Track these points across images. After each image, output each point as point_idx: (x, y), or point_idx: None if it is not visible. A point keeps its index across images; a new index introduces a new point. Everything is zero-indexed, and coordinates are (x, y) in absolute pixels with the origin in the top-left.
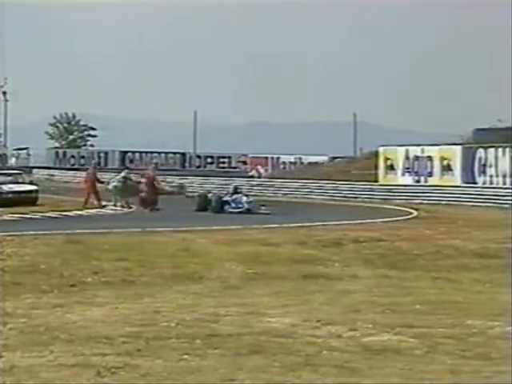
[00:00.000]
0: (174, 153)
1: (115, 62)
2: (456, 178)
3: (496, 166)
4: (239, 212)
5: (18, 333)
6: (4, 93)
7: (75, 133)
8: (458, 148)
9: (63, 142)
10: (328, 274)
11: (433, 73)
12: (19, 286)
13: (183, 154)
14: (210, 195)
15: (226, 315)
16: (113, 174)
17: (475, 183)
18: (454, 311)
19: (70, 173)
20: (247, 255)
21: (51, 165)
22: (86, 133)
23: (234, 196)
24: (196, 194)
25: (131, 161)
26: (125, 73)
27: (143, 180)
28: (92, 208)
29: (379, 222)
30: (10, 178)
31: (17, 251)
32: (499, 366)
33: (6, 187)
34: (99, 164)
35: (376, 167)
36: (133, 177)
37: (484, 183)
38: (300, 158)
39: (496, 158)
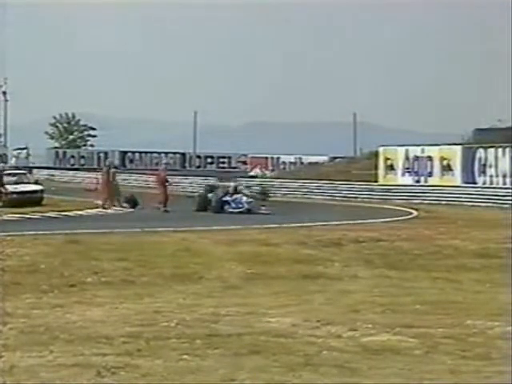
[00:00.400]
0: (174, 153)
1: (115, 61)
2: (456, 178)
3: (496, 166)
4: (239, 212)
5: (18, 333)
6: (4, 93)
7: (75, 133)
8: (458, 148)
9: (63, 142)
10: (328, 274)
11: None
12: (19, 286)
13: (183, 154)
14: (210, 195)
15: (226, 315)
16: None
17: (475, 183)
18: (454, 311)
19: (70, 173)
20: (247, 255)
21: (51, 165)
22: (85, 133)
23: (234, 196)
24: (196, 194)
25: (131, 161)
26: (125, 73)
27: (154, 180)
28: (92, 208)
29: (379, 222)
30: (14, 178)
31: (17, 251)
32: (499, 366)
33: (11, 187)
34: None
35: (376, 167)
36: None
37: (484, 183)
38: (300, 158)
39: (496, 158)
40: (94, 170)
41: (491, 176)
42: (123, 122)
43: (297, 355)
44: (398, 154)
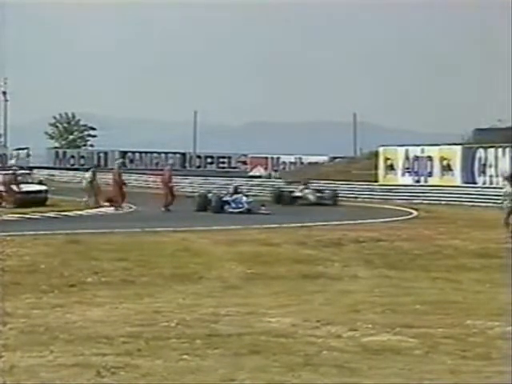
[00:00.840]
0: (174, 153)
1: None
2: (456, 178)
3: (496, 166)
4: (239, 212)
5: (18, 333)
6: (4, 93)
7: (75, 133)
8: (458, 148)
9: (63, 142)
10: (328, 274)
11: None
12: (19, 286)
13: (183, 154)
14: (210, 195)
15: (225, 315)
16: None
17: (475, 183)
18: (454, 311)
19: (70, 173)
20: (247, 255)
21: (51, 165)
22: (85, 133)
23: (234, 196)
24: (197, 194)
25: (131, 161)
26: (125, 73)
27: (158, 180)
28: (92, 208)
29: (379, 222)
30: (19, 178)
31: (17, 251)
32: (499, 366)
33: (15, 187)
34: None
35: (376, 167)
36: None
37: (484, 183)
38: (300, 158)
39: (496, 158)
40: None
41: (491, 176)
42: (123, 121)
43: (297, 355)
44: (398, 154)
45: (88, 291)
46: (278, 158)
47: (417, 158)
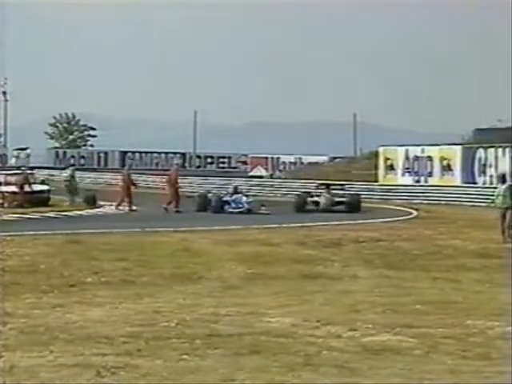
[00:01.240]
0: (174, 153)
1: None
2: (456, 178)
3: (496, 166)
4: (239, 212)
5: (18, 333)
6: (4, 93)
7: (75, 133)
8: (458, 148)
9: (63, 142)
10: (328, 274)
11: (433, 73)
12: (19, 286)
13: (183, 154)
14: (210, 195)
15: (225, 315)
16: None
17: (475, 183)
18: (454, 311)
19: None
20: (247, 255)
21: (51, 165)
22: (85, 133)
23: (234, 196)
24: (197, 194)
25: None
26: (125, 73)
27: (158, 180)
28: (93, 208)
29: (379, 222)
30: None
31: (17, 251)
32: (499, 366)
33: (27, 187)
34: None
35: (376, 167)
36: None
37: (484, 183)
38: (300, 158)
39: (496, 158)
40: (94, 170)
41: (491, 176)
42: (123, 122)
43: (297, 355)
44: (398, 154)
45: (88, 291)
46: (278, 158)
47: (417, 158)
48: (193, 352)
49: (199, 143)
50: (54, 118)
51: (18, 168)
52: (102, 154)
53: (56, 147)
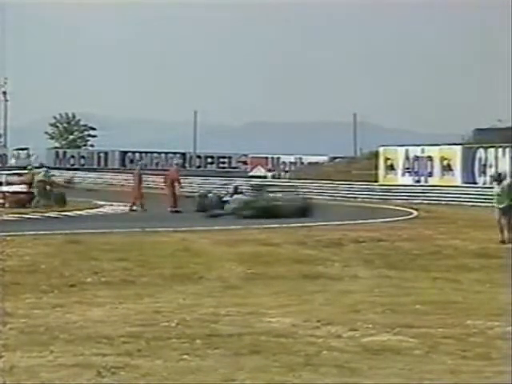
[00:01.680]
0: (174, 153)
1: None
2: (456, 178)
3: (496, 166)
4: None
5: (18, 333)
6: (4, 93)
7: (75, 133)
8: (458, 148)
9: (63, 142)
10: (328, 274)
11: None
12: (19, 286)
13: (183, 154)
14: (210, 195)
15: (226, 315)
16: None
17: (475, 183)
18: (454, 311)
19: (70, 173)
20: (247, 255)
21: (51, 165)
22: (86, 133)
23: (235, 196)
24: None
25: (131, 161)
26: (125, 73)
27: (163, 180)
28: (92, 208)
29: (379, 222)
30: (22, 178)
31: (17, 251)
32: (499, 366)
33: (18, 187)
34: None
35: (376, 167)
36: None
37: (484, 183)
38: (300, 158)
39: (496, 158)
40: (95, 170)
41: (491, 176)
42: (123, 121)
43: (297, 355)
44: (398, 154)
45: (88, 291)
46: (279, 158)
47: (417, 158)
48: (193, 352)
49: (199, 143)
50: (54, 118)
51: (25, 168)
52: (102, 154)
53: (56, 147)
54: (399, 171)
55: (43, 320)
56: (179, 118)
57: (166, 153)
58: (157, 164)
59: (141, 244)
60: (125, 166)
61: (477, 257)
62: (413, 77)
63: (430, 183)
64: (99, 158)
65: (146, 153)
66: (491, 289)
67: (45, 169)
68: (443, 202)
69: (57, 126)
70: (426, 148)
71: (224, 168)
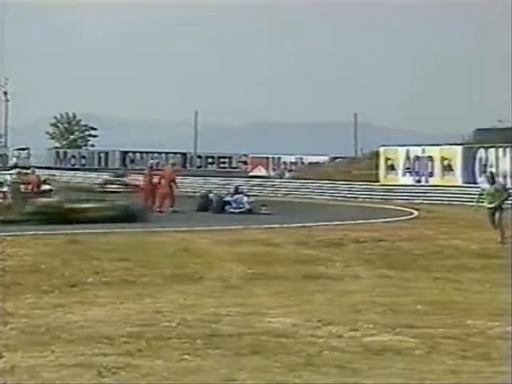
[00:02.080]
0: (175, 153)
1: (116, 61)
2: (457, 178)
3: (497, 167)
4: (240, 212)
5: (19, 333)
6: (5, 93)
7: (76, 133)
8: (459, 148)
9: (64, 142)
10: (329, 274)
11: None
12: (20, 286)
13: (184, 154)
14: (211, 195)
15: (226, 315)
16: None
17: (476, 183)
18: (455, 311)
19: (71, 173)
20: (248, 255)
21: (52, 165)
22: (86, 133)
23: (235, 196)
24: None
25: (132, 161)
26: (125, 73)
27: (158, 180)
28: None
29: (380, 222)
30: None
31: (17, 251)
32: (499, 366)
33: (21, 187)
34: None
35: (377, 167)
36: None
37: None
38: (301, 158)
39: (497, 158)
40: (95, 170)
41: (487, 177)
42: (124, 121)
43: (298, 355)
44: (399, 154)
45: (89, 291)
46: (279, 158)
47: (417, 158)
48: (194, 352)
49: (200, 143)
50: (55, 117)
51: (28, 168)
52: (102, 154)
53: (57, 147)
54: (400, 171)
55: (44, 320)
56: (179, 117)
57: (167, 153)
58: (157, 164)
59: (141, 244)
60: (125, 166)
61: (477, 257)
62: (413, 77)
63: (430, 183)
64: (100, 158)
65: (147, 153)
66: (491, 289)
67: (17, 170)
68: (444, 202)
69: (57, 126)
70: (427, 148)
71: (224, 168)
